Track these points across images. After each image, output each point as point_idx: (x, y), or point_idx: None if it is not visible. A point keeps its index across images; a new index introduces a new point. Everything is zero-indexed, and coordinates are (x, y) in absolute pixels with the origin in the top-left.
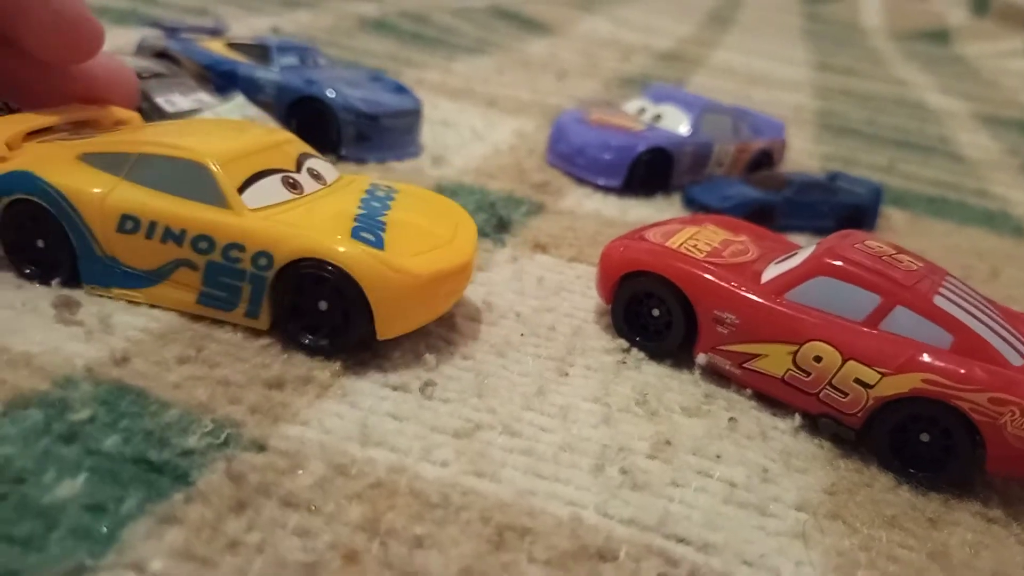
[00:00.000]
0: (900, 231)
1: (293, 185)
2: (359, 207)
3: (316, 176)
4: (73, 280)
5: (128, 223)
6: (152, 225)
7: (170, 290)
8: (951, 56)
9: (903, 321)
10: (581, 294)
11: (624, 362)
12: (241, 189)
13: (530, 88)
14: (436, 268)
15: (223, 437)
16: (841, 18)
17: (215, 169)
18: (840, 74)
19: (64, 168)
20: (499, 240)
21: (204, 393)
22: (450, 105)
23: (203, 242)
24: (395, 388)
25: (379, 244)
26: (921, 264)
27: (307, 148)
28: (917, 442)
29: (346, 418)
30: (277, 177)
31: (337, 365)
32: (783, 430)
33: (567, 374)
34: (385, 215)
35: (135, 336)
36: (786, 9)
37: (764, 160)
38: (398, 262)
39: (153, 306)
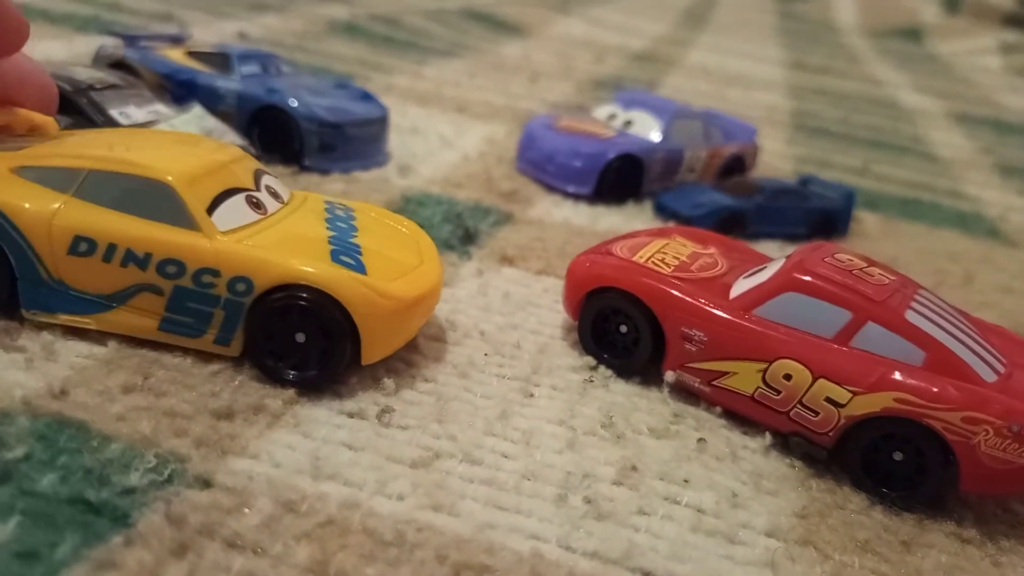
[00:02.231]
0: (873, 235)
1: (257, 205)
2: (328, 229)
3: (274, 195)
4: (11, 305)
5: (82, 245)
6: (111, 248)
7: (127, 316)
8: (924, 54)
9: (874, 337)
10: (548, 308)
11: (591, 380)
12: (209, 210)
13: (502, 92)
14: (416, 291)
15: (167, 474)
16: (815, 16)
17: (180, 189)
18: (814, 73)
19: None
20: (465, 253)
21: (148, 425)
22: (419, 111)
23: (171, 266)
24: (351, 415)
25: (361, 268)
26: (893, 277)
27: (259, 164)
28: (890, 461)
29: (298, 449)
30: (241, 196)
31: (290, 392)
32: (753, 449)
33: (532, 395)
34: (355, 237)
35: (79, 363)
36: (760, 7)
37: (736, 165)
38: (383, 286)
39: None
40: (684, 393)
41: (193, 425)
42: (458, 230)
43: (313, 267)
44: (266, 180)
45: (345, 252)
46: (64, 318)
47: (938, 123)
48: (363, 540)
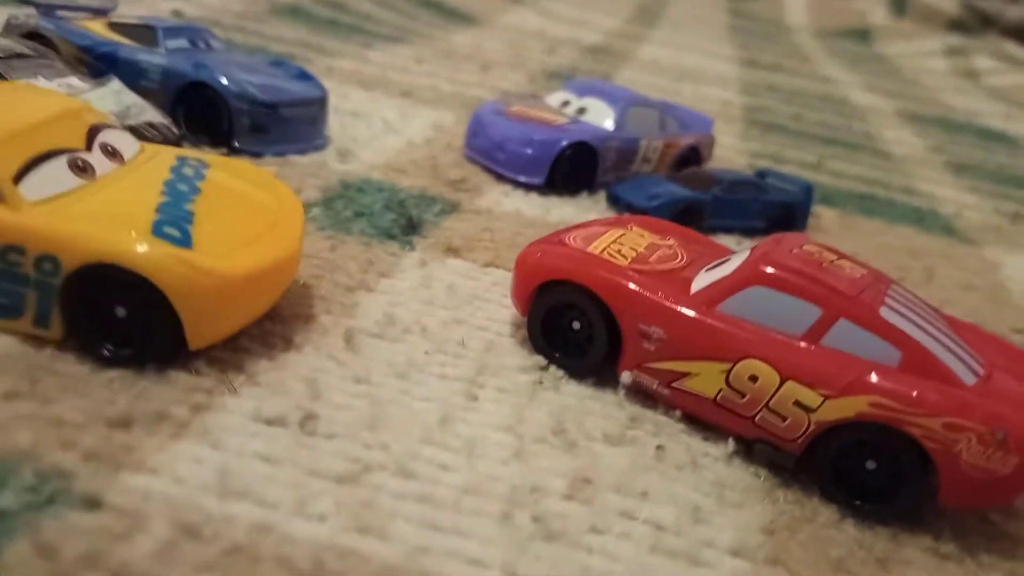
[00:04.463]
0: (831, 231)
1: (83, 168)
2: (162, 192)
3: (111, 153)
4: None
5: None
6: None
7: None
8: (873, 55)
9: (847, 335)
10: (496, 303)
11: (541, 382)
12: (18, 178)
13: (451, 79)
14: (253, 265)
15: (46, 493)
16: (766, 15)
17: None
18: (766, 70)
19: None
20: (407, 243)
21: (29, 436)
22: (362, 95)
23: None
24: (270, 422)
25: (186, 241)
26: (864, 271)
27: (102, 117)
28: (863, 470)
29: (205, 463)
30: (63, 159)
31: (200, 396)
32: (716, 457)
33: (476, 398)
34: (193, 201)
35: None
36: (712, 5)
37: (692, 156)
38: (208, 263)
39: None
40: (641, 395)
41: (83, 436)
42: (400, 219)
43: (125, 243)
44: (104, 137)
45: (171, 222)
46: None
47: (889, 121)
48: (275, 570)
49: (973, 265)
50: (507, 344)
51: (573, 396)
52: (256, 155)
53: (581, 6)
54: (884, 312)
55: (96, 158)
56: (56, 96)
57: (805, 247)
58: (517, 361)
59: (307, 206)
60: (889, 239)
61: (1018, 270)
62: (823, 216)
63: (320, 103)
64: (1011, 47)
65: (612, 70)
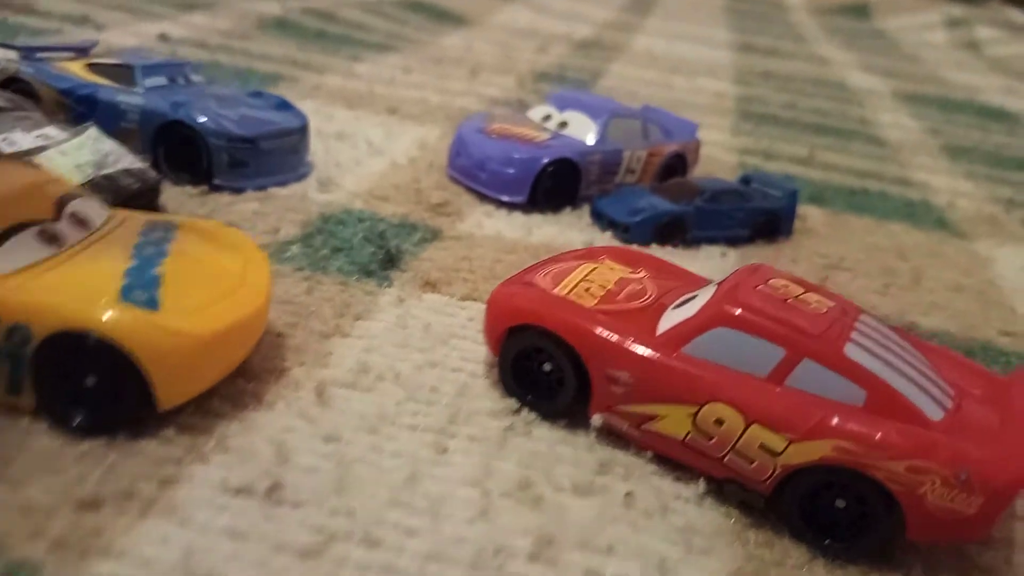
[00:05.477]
0: (819, 232)
1: (51, 238)
2: (131, 257)
3: (80, 222)
4: None
5: None
6: None
7: None
8: (871, 30)
9: (811, 376)
10: (472, 340)
11: (511, 428)
12: None
13: (438, 88)
14: (219, 324)
15: None
16: None
17: None
18: (762, 55)
19: None
20: (384, 279)
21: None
22: (346, 114)
23: None
24: (237, 492)
25: (153, 304)
26: (831, 304)
27: (70, 186)
28: (832, 508)
29: (171, 542)
30: (32, 231)
31: (169, 470)
32: (687, 499)
33: (446, 449)
34: (161, 264)
35: None
36: None
37: (677, 163)
38: (176, 324)
39: None
40: (613, 437)
41: (52, 522)
42: (379, 252)
43: (92, 310)
44: (74, 206)
45: (140, 286)
46: None
47: (885, 103)
48: None
49: (964, 262)
50: (481, 386)
51: (544, 441)
52: (237, 190)
53: None
54: (849, 349)
55: (65, 228)
56: (24, 169)
57: (771, 282)
58: (489, 405)
59: (285, 244)
60: (878, 238)
61: (1009, 266)
62: (810, 217)
63: (301, 132)
64: (1013, 13)
65: (604, 65)
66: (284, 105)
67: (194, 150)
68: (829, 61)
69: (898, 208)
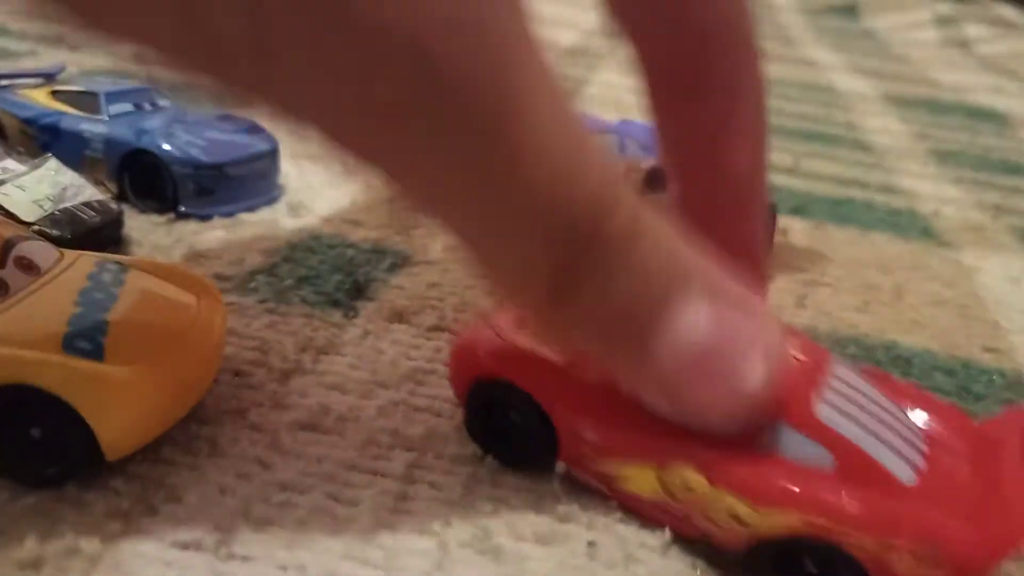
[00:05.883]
0: (799, 246)
1: None
2: (76, 303)
3: (27, 267)
4: None
5: None
6: None
7: None
8: (861, 30)
9: (780, 438)
10: (440, 375)
11: (474, 475)
12: None
13: None
14: (171, 370)
15: None
16: None
17: None
18: None
19: None
20: (351, 310)
21: None
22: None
23: None
24: (185, 547)
25: (98, 354)
26: (804, 358)
27: (17, 229)
28: (803, 571)
29: None
30: None
31: (114, 525)
32: (652, 547)
33: (406, 497)
34: (109, 310)
35: None
36: None
37: (656, 177)
38: (120, 375)
39: None
40: (580, 484)
41: None
42: (347, 282)
43: (33, 363)
44: (20, 250)
45: (84, 335)
46: None
47: (873, 107)
48: None
49: (947, 273)
50: (446, 427)
51: (509, 488)
52: (204, 218)
53: (560, 2)
54: (820, 408)
55: (10, 274)
56: None
57: None
58: (454, 450)
59: (251, 274)
60: (861, 251)
61: (994, 276)
62: (792, 230)
63: (271, 155)
64: (1003, 8)
65: (589, 74)
66: (254, 128)
67: (160, 178)
68: (817, 64)
69: (882, 218)
